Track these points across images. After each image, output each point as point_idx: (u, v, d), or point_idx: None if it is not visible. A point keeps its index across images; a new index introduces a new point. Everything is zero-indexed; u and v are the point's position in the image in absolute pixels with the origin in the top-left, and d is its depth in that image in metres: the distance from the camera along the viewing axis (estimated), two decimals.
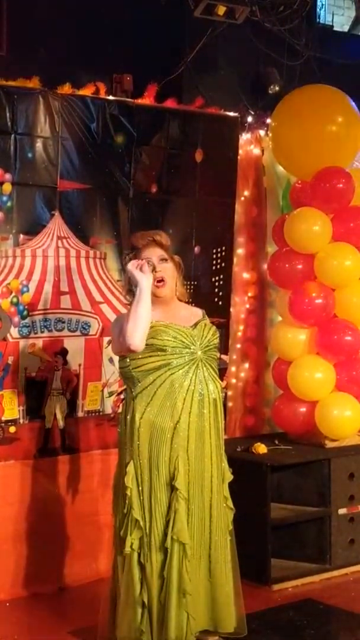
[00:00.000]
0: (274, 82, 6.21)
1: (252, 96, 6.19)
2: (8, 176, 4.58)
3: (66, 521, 4.83)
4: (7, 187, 4.58)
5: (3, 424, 4.64)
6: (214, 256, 5.48)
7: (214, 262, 5.48)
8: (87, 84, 4.90)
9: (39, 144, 4.70)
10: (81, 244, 4.87)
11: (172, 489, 3.72)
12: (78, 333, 4.89)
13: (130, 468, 3.76)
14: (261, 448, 5.11)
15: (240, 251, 5.78)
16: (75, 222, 4.84)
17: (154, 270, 3.83)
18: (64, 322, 4.82)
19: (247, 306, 5.87)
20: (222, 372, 5.12)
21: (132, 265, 3.79)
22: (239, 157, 5.63)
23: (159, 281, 3.85)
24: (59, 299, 4.80)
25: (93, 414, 4.97)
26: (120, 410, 4.08)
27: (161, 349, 3.76)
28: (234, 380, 5.81)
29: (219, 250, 5.50)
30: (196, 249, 5.36)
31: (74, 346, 4.87)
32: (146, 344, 3.74)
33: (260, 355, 5.92)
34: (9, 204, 4.60)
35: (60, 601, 4.68)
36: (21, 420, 4.71)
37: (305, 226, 5.29)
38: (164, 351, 3.77)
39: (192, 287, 5.18)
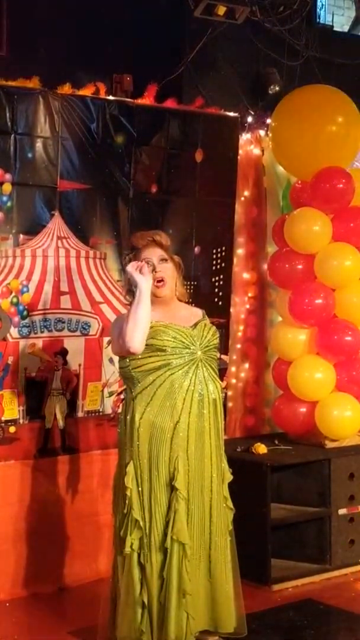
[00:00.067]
0: (274, 82, 6.21)
1: (252, 96, 6.20)
2: (8, 176, 4.58)
3: (66, 521, 4.83)
4: (7, 187, 4.58)
5: (3, 424, 4.64)
6: (214, 256, 5.48)
7: (214, 262, 5.48)
8: (87, 84, 4.90)
9: (39, 144, 4.70)
10: (81, 244, 4.87)
11: (172, 489, 3.72)
12: (78, 333, 4.89)
13: (130, 468, 3.76)
14: (261, 448, 5.11)
15: (240, 251, 5.78)
16: (75, 222, 4.84)
17: (153, 270, 3.83)
18: (64, 322, 4.82)
19: (247, 306, 5.87)
20: (222, 372, 5.12)
21: (131, 267, 3.79)
22: (239, 157, 5.63)
23: (158, 281, 3.85)
24: (59, 299, 4.80)
25: (93, 414, 4.97)
26: (120, 410, 4.08)
27: (161, 349, 3.76)
28: (234, 381, 5.81)
29: (219, 250, 5.50)
30: (196, 249, 5.36)
31: (74, 346, 4.87)
32: (146, 344, 3.74)
33: (260, 356, 5.91)
34: (9, 204, 4.60)
35: (60, 601, 4.68)
36: (21, 421, 4.71)
37: (305, 226, 5.29)
38: (164, 351, 3.77)
39: (192, 287, 5.18)
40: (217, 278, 5.49)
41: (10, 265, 4.63)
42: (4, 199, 4.58)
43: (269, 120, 5.70)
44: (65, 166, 4.79)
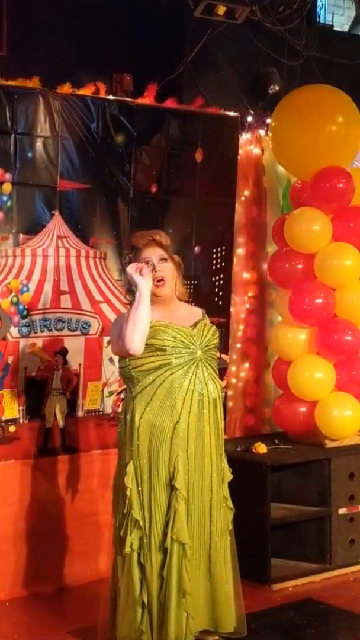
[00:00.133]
0: (274, 82, 6.20)
1: (252, 96, 6.19)
2: (8, 176, 4.58)
3: (66, 521, 4.83)
4: (7, 187, 4.58)
5: (3, 424, 4.64)
6: (214, 256, 5.48)
7: (214, 262, 5.48)
8: (87, 83, 4.90)
9: (39, 144, 4.70)
10: (81, 243, 4.87)
11: (172, 489, 3.72)
12: (78, 332, 4.89)
13: (130, 468, 3.76)
14: (261, 448, 5.11)
15: (240, 251, 5.78)
16: (75, 222, 4.84)
17: (153, 270, 3.83)
18: (64, 322, 4.82)
19: (247, 306, 5.87)
20: (222, 371, 5.12)
21: (131, 269, 3.79)
22: (239, 157, 5.63)
23: (158, 280, 3.85)
24: (59, 299, 4.80)
25: (93, 414, 4.97)
26: (120, 409, 4.08)
27: (161, 348, 3.76)
28: (234, 380, 5.81)
29: (219, 250, 5.50)
30: (196, 249, 5.36)
31: (74, 346, 4.87)
32: (146, 344, 3.74)
33: (260, 355, 5.92)
34: (9, 203, 4.60)
35: (60, 601, 4.68)
36: (21, 420, 4.71)
37: (305, 226, 5.29)
38: (164, 351, 3.77)
39: (192, 286, 5.18)
40: (217, 278, 5.50)
41: (10, 265, 4.63)
42: (4, 198, 4.58)
43: (269, 120, 5.71)
44: (65, 166, 4.79)
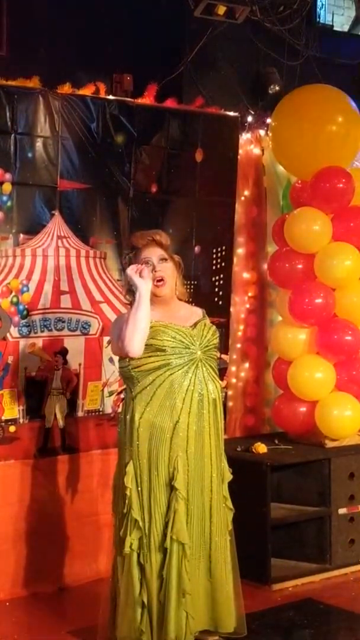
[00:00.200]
0: (274, 82, 6.21)
1: (252, 96, 6.20)
2: (8, 176, 4.58)
3: (66, 521, 4.83)
4: (7, 187, 4.58)
5: (3, 424, 4.64)
6: (214, 256, 5.48)
7: (214, 262, 5.48)
8: (87, 83, 4.90)
9: (39, 144, 4.70)
10: (81, 243, 4.87)
11: (172, 489, 3.72)
12: (78, 332, 4.89)
13: (130, 468, 3.76)
14: (261, 448, 5.11)
15: (240, 251, 5.78)
16: (75, 222, 4.84)
17: (153, 269, 3.82)
18: (64, 322, 4.82)
19: (247, 306, 5.87)
20: (222, 371, 5.12)
21: (131, 270, 3.78)
22: (239, 157, 5.63)
23: (158, 280, 3.84)
24: (59, 299, 4.80)
25: (93, 414, 4.97)
26: (120, 409, 4.08)
27: (160, 349, 3.76)
28: (234, 380, 5.81)
29: (219, 250, 5.50)
30: (196, 249, 5.36)
31: (74, 346, 4.87)
32: (146, 344, 3.74)
33: (260, 355, 5.92)
34: (9, 203, 4.60)
35: (60, 601, 4.68)
36: (21, 420, 4.71)
37: (305, 226, 5.29)
38: (164, 351, 3.77)
39: (192, 286, 5.18)
40: (217, 278, 5.50)
41: (10, 265, 4.63)
42: (4, 198, 4.58)
43: (269, 120, 5.71)
44: (65, 166, 4.79)
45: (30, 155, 4.67)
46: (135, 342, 3.69)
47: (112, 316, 4.85)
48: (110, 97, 5.03)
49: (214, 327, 3.98)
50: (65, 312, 4.82)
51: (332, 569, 5.07)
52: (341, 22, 7.25)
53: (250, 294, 5.87)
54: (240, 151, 5.67)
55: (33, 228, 4.70)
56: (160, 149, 5.19)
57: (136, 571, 3.74)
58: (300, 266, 5.39)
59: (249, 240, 5.85)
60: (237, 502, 3.97)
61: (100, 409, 4.99)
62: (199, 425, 3.79)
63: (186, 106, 5.38)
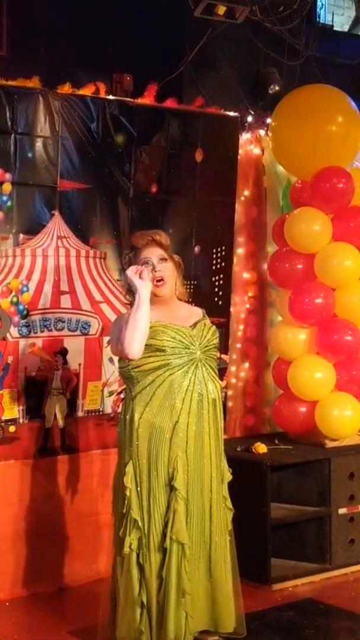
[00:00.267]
0: (274, 82, 6.21)
1: (252, 96, 6.20)
2: (8, 176, 4.58)
3: (66, 521, 4.83)
4: (7, 187, 4.58)
5: (3, 424, 4.64)
6: (214, 256, 5.48)
7: (214, 261, 5.48)
8: (87, 83, 4.90)
9: (39, 144, 4.70)
10: (81, 243, 4.87)
11: (171, 489, 3.72)
12: (78, 333, 4.89)
13: (130, 468, 3.76)
14: (261, 448, 5.11)
15: (240, 251, 5.78)
16: (75, 222, 4.84)
17: (153, 269, 3.82)
18: (63, 322, 4.82)
19: (247, 306, 5.87)
20: (222, 371, 5.13)
21: (131, 272, 3.78)
22: (239, 157, 5.63)
23: (158, 280, 3.84)
24: (59, 299, 4.80)
25: (93, 414, 4.97)
26: (120, 409, 4.08)
27: (160, 349, 3.76)
28: (234, 380, 5.81)
29: (219, 250, 5.50)
30: (196, 249, 5.36)
31: (74, 346, 4.87)
32: (145, 345, 3.73)
33: (260, 355, 5.91)
34: (9, 203, 4.60)
35: (60, 601, 4.68)
36: (21, 420, 4.71)
37: (305, 226, 5.30)
38: (163, 351, 3.77)
39: (192, 286, 5.18)
40: (217, 278, 5.50)
41: (10, 265, 4.63)
42: (4, 198, 4.58)
43: (269, 120, 5.70)
44: (65, 166, 4.79)
45: (30, 155, 4.67)
46: (135, 345, 3.69)
47: (112, 316, 4.85)
48: (110, 97, 5.03)
49: (214, 327, 3.98)
50: (65, 312, 4.82)
51: (332, 569, 5.07)
52: (341, 22, 7.25)
53: (250, 294, 5.87)
54: (240, 151, 5.67)
55: (33, 228, 4.70)
56: (160, 149, 5.19)
57: (135, 571, 3.74)
58: (300, 266, 5.39)
59: (249, 240, 5.85)
60: (237, 502, 3.97)
61: (100, 409, 4.99)
62: (198, 426, 3.79)
63: (186, 106, 5.38)
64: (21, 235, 4.66)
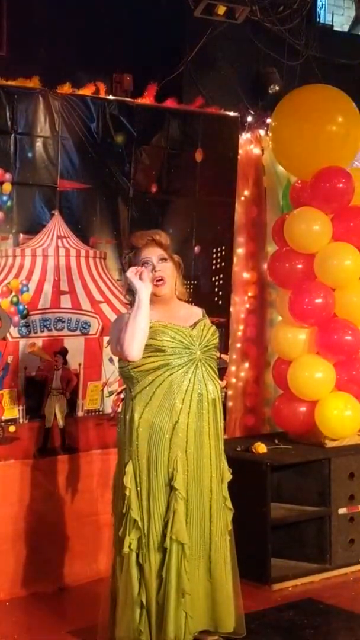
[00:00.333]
0: (274, 82, 6.21)
1: (252, 96, 6.20)
2: (8, 176, 4.58)
3: (66, 521, 4.83)
4: (7, 187, 4.58)
5: (3, 424, 4.64)
6: (214, 256, 5.48)
7: (214, 261, 5.48)
8: (87, 83, 4.90)
9: (39, 144, 4.70)
10: (81, 243, 4.87)
11: (171, 489, 3.72)
12: (78, 332, 4.89)
13: (129, 468, 3.76)
14: (261, 448, 5.11)
15: (240, 251, 5.78)
16: (75, 222, 4.84)
17: (153, 269, 3.82)
18: (63, 322, 4.82)
19: (247, 306, 5.87)
20: (222, 371, 5.12)
21: (131, 273, 3.77)
22: (239, 157, 5.63)
23: (158, 280, 3.84)
24: (59, 299, 4.80)
25: (93, 414, 4.97)
26: (120, 409, 4.08)
27: (160, 349, 3.76)
28: (234, 380, 5.81)
29: (219, 250, 5.50)
30: (196, 249, 5.36)
31: (74, 346, 4.87)
32: (145, 345, 3.73)
33: (260, 355, 5.92)
34: (9, 203, 4.60)
35: (60, 601, 4.68)
36: (21, 420, 4.71)
37: (305, 226, 5.30)
38: (163, 351, 3.77)
39: (192, 286, 5.18)
40: (217, 277, 5.50)
41: (10, 265, 4.63)
42: (4, 198, 4.58)
43: (269, 120, 5.70)
44: (65, 166, 4.79)
45: (30, 155, 4.67)
46: (134, 347, 3.69)
47: (112, 316, 4.85)
48: (110, 97, 5.03)
49: (214, 327, 3.97)
50: (65, 312, 4.82)
51: (332, 569, 5.07)
52: (341, 22, 7.26)
53: (250, 294, 5.87)
54: (240, 151, 5.67)
55: (33, 228, 4.70)
56: (160, 149, 5.19)
57: (135, 571, 3.74)
58: (300, 266, 5.39)
59: (249, 240, 5.85)
60: (237, 502, 3.97)
61: (100, 409, 4.99)
62: (198, 426, 3.79)
63: (186, 106, 5.38)
64: (21, 235, 4.66)
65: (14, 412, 4.67)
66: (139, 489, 3.75)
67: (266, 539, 4.83)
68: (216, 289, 5.50)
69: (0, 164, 4.56)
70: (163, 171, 5.20)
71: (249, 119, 5.80)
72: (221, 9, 5.68)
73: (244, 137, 5.74)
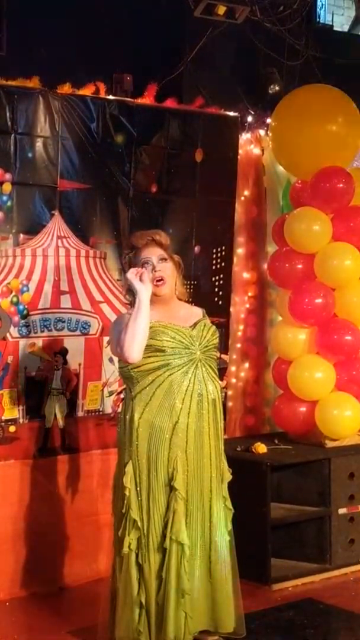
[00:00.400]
0: (274, 82, 6.22)
1: (252, 96, 6.20)
2: (8, 176, 4.58)
3: (66, 521, 4.82)
4: (7, 187, 4.58)
5: (3, 424, 4.64)
6: (214, 256, 5.48)
7: (214, 261, 5.48)
8: (87, 83, 4.90)
9: (39, 144, 4.70)
10: (81, 243, 4.87)
11: (171, 489, 3.72)
12: (78, 332, 4.89)
13: (129, 468, 3.76)
14: (261, 448, 5.11)
15: (240, 251, 5.78)
16: (75, 222, 4.84)
17: (153, 269, 3.82)
18: (63, 322, 4.82)
19: (247, 306, 5.87)
20: (222, 371, 5.12)
21: (131, 274, 3.77)
22: (239, 157, 5.63)
23: (158, 280, 3.84)
24: (59, 299, 4.80)
25: (93, 414, 4.97)
26: (120, 409, 4.08)
27: (160, 349, 3.76)
28: (234, 380, 5.81)
29: (219, 250, 5.50)
30: (196, 249, 5.36)
31: (74, 346, 4.87)
32: (145, 345, 3.73)
33: (260, 355, 5.91)
34: (9, 203, 4.60)
35: (60, 601, 4.68)
36: (21, 420, 4.71)
37: (305, 226, 5.29)
38: (163, 352, 3.77)
39: (192, 286, 5.18)
40: (217, 277, 5.50)
41: (10, 265, 4.63)
42: (4, 198, 4.58)
43: (269, 120, 5.70)
44: (65, 166, 4.79)
45: (30, 155, 4.67)
46: (135, 349, 3.68)
47: (112, 316, 4.85)
48: (110, 97, 5.02)
49: (214, 327, 3.97)
50: (65, 312, 4.82)
51: (332, 569, 5.06)
52: (341, 22, 7.27)
53: (250, 294, 5.87)
54: (240, 151, 5.67)
55: (33, 228, 4.70)
56: (160, 149, 5.19)
57: (134, 571, 3.74)
58: (300, 266, 5.39)
59: (249, 240, 5.85)
60: (237, 502, 3.97)
61: (100, 409, 4.99)
62: (198, 426, 3.79)
63: (186, 106, 5.38)
64: (21, 235, 4.66)
65: (14, 412, 4.67)
66: (138, 489, 3.75)
67: (266, 539, 4.83)
68: (216, 289, 5.50)
69: (0, 164, 4.56)
70: (163, 171, 5.20)
71: (249, 119, 5.80)
72: (221, 9, 5.68)
73: (244, 137, 5.74)
